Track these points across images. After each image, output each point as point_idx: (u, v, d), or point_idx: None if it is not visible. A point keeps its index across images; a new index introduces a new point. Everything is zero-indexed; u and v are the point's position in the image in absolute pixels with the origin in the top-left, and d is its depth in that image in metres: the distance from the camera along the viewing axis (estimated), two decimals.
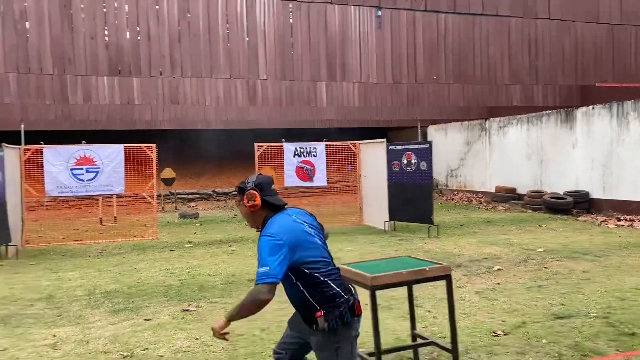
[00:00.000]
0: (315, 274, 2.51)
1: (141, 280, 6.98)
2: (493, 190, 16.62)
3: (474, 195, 17.55)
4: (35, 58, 6.81)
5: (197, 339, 4.66)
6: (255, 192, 2.61)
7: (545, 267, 7.18)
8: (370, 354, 3.41)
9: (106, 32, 7.12)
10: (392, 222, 11.02)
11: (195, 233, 11.60)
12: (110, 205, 14.42)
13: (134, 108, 13.53)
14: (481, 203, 16.48)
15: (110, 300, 5.98)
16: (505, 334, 4.57)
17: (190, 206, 17.62)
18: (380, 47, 9.06)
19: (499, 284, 6.33)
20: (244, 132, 18.47)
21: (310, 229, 2.63)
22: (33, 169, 10.35)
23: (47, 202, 14.39)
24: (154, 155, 10.81)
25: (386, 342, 4.10)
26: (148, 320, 5.22)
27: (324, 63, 8.66)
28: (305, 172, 11.77)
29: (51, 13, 6.85)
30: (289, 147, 11.65)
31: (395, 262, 3.73)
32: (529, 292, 5.94)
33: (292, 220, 2.59)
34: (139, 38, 7.32)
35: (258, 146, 11.51)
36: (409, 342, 4.08)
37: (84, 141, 10.63)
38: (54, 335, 4.81)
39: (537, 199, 14.46)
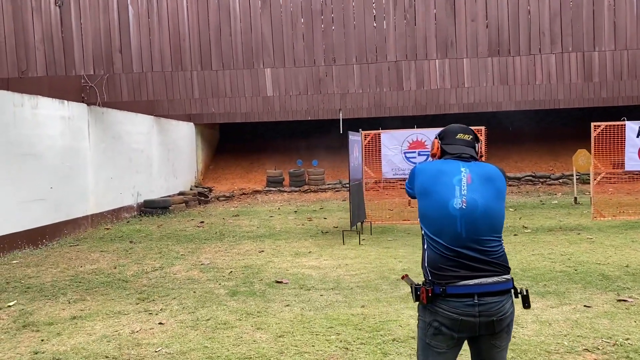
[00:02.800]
0: None
1: (526, 264, 6.81)
2: None
3: None
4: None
5: (626, 339, 4.21)
6: (436, 140, 2.56)
7: None
8: None
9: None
10: None
11: (520, 218, 11.20)
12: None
13: (462, 90, 13.62)
14: None
15: (518, 282, 5.91)
16: None
17: None
18: None
19: None
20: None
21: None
22: (371, 153, 11.16)
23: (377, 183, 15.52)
24: (483, 138, 10.67)
25: None
26: (588, 307, 4.96)
27: None
28: None
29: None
30: (631, 126, 10.38)
31: None
32: None
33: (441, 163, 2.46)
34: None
35: (595, 126, 10.51)
36: None
37: (415, 125, 11.04)
38: None
39: None
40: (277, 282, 6.26)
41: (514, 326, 4.52)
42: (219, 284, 6.26)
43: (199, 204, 16.17)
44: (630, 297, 5.19)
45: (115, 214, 12.23)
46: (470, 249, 2.30)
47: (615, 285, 5.66)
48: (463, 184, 2.35)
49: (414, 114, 16.42)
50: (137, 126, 13.60)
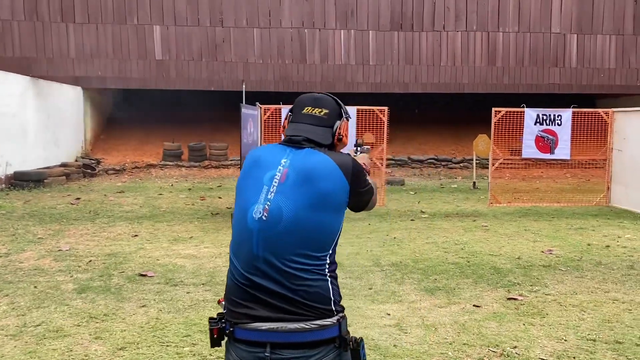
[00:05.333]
0: None
1: (418, 254, 6.43)
2: None
3: None
4: None
5: (565, 339, 3.89)
6: (289, 114, 1.90)
7: None
8: None
9: None
10: None
11: (418, 202, 10.98)
12: None
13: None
14: None
15: (408, 276, 5.47)
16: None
17: (386, 172, 17.13)
18: None
19: None
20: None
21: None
22: (271, 130, 10.40)
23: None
24: (385, 119, 10.27)
25: None
26: (477, 306, 4.59)
27: None
28: (547, 143, 10.46)
29: None
30: (530, 114, 10.41)
31: None
32: None
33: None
34: None
35: (496, 111, 10.42)
36: None
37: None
38: (388, 314, 4.37)
39: None
40: (141, 275, 5.41)
41: (396, 332, 4.07)
42: (70, 277, 5.31)
43: (84, 177, 14.68)
44: (520, 295, 4.90)
45: None
46: (269, 278, 1.61)
47: (506, 280, 5.37)
48: (274, 183, 1.67)
49: (320, 90, 15.82)
50: (6, 87, 11.90)
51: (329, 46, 10.08)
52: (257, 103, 9.15)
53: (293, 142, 1.76)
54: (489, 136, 11.29)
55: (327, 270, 1.67)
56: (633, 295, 4.92)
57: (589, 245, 6.98)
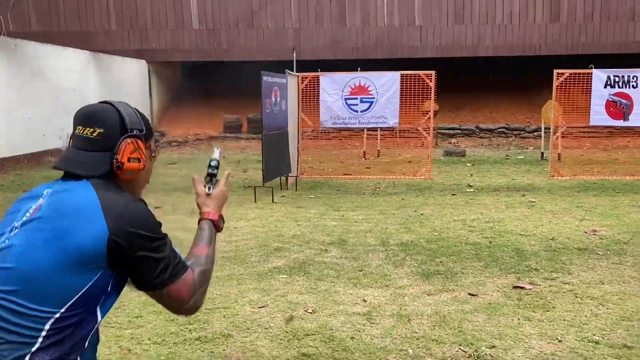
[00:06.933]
0: None
1: (437, 233, 5.85)
2: None
3: None
4: None
5: (559, 340, 3.27)
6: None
7: None
8: None
9: None
10: None
11: (471, 175, 10.17)
12: (375, 138, 13.77)
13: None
14: None
15: (412, 257, 4.95)
16: None
17: (451, 142, 16.19)
18: None
19: None
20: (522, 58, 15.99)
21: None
22: (309, 99, 10.00)
23: (317, 132, 14.43)
24: (432, 84, 9.51)
25: None
26: (473, 295, 4.01)
27: None
28: (620, 108, 9.21)
29: None
30: (599, 75, 9.19)
31: None
32: None
33: None
34: None
35: (558, 74, 9.30)
36: None
37: (359, 68, 9.84)
38: (364, 300, 3.92)
39: None
40: None
41: (361, 321, 3.60)
42: None
43: None
44: (531, 283, 4.24)
45: (35, 159, 11.22)
46: None
47: (524, 265, 4.69)
48: (26, 215, 1.36)
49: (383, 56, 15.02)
50: (66, 62, 12.37)
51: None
52: (287, 71, 8.76)
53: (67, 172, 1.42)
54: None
55: (49, 335, 1.28)
56: None
57: None
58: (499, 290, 4.10)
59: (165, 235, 1.42)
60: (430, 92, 9.59)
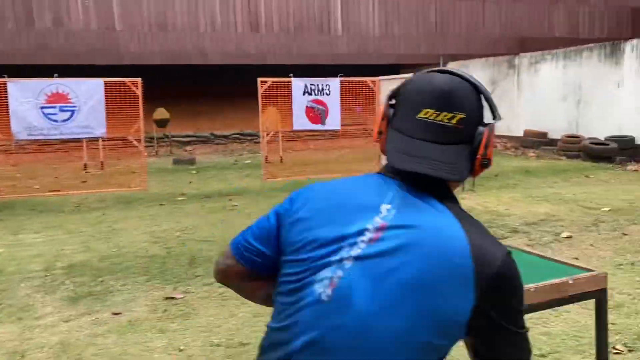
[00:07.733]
0: None
1: (118, 248, 5.55)
2: (521, 134, 15.02)
3: (499, 140, 15.95)
4: None
5: (180, 350, 3.25)
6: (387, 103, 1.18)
7: (625, 234, 5.72)
8: None
9: None
10: None
11: (190, 182, 10.13)
12: (95, 149, 12.82)
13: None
14: (507, 149, 14.92)
15: (72, 280, 4.55)
16: (629, 350, 3.15)
17: (186, 150, 16.08)
18: None
19: (576, 258, 4.89)
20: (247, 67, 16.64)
21: None
22: None
23: (23, 145, 12.83)
24: (139, 92, 9.18)
25: None
26: (117, 314, 3.81)
27: None
28: (317, 113, 10.16)
29: None
30: (298, 84, 9.99)
31: None
32: (622, 272, 4.51)
33: None
34: None
35: (262, 82, 9.84)
36: None
37: (56, 74, 8.97)
38: None
39: (573, 144, 12.88)
40: None
41: None
42: None
43: None
44: (185, 292, 4.22)
45: None
46: None
47: (190, 274, 4.68)
48: (359, 244, 0.98)
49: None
50: None
51: None
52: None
53: (402, 174, 1.04)
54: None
55: None
56: None
57: None
58: (147, 305, 3.98)
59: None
60: (139, 100, 9.24)
